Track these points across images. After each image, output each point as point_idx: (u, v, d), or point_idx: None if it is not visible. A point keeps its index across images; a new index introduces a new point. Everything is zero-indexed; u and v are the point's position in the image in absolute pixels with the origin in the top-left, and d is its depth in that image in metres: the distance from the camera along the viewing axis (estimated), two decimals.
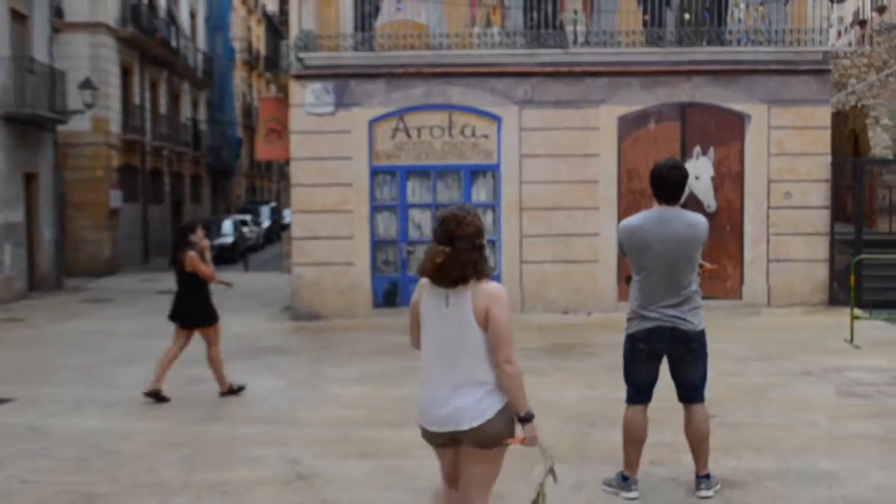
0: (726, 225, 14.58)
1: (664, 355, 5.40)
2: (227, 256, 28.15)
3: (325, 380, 9.69)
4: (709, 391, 5.60)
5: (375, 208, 14.83)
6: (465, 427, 3.86)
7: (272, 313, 15.57)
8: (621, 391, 5.60)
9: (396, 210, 14.84)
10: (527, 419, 3.87)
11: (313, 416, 8.06)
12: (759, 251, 14.73)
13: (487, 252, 14.43)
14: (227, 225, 30.55)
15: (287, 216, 37.99)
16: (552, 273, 14.43)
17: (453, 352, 3.90)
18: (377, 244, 14.86)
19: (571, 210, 14.59)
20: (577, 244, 14.61)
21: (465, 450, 3.94)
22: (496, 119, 14.75)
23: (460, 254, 3.86)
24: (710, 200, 14.54)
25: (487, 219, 14.79)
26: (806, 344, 11.38)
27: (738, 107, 14.74)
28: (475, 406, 3.85)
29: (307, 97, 14.65)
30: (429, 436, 4.00)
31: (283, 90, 16.15)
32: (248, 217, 35.43)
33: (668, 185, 5.33)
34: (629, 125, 14.80)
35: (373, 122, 14.73)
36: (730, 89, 14.69)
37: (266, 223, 38.83)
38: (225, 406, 8.49)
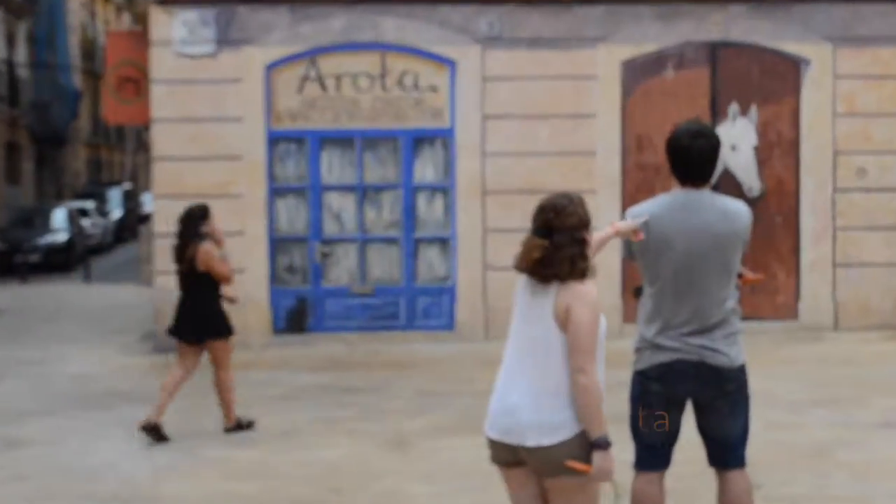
0: (775, 215, 14.78)
1: (687, 400, 5.44)
2: (57, 261, 27.85)
3: (203, 439, 9.63)
4: (751, 451, 5.65)
5: (276, 191, 14.78)
6: (530, 443, 4.49)
7: (126, 343, 15.44)
8: (627, 451, 5.60)
9: (305, 194, 14.81)
10: (601, 446, 4.44)
11: (186, 491, 7.98)
12: (823, 252, 14.93)
13: (439, 253, 14.22)
14: (59, 216, 30.25)
15: (148, 203, 37.66)
16: None
17: (532, 352, 4.60)
18: (277, 243, 14.81)
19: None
20: None
21: (545, 481, 4.58)
22: (449, 64, 14.78)
23: (559, 249, 4.56)
24: (752, 181, 14.71)
25: (436, 207, 14.85)
26: (889, 383, 11.53)
27: (791, 47, 14.95)
28: (547, 420, 4.47)
29: (177, 31, 14.55)
30: (493, 448, 4.68)
31: (142, 21, 16.01)
32: (89, 205, 35.14)
33: (693, 159, 5.39)
34: (638, 74, 14.92)
35: (272, 68, 14.68)
36: (779, 22, 14.90)
37: (117, 213, 38.52)
38: (65, 477, 8.40)
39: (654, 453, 5.49)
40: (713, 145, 5.43)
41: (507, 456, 4.63)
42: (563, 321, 4.53)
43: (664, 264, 5.36)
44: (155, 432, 9.33)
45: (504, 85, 14.79)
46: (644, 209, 5.48)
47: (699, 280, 5.32)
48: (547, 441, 4.45)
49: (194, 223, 9.50)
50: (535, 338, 4.61)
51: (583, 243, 4.62)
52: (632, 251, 5.53)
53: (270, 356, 14.02)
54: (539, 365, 4.57)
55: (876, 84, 14.96)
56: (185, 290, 9.59)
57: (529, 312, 4.66)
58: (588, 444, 4.46)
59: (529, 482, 4.67)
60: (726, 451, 5.49)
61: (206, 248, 9.42)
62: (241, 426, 9.74)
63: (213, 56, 14.62)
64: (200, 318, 9.58)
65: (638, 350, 5.48)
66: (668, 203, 5.44)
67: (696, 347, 5.33)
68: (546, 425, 4.47)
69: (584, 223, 4.64)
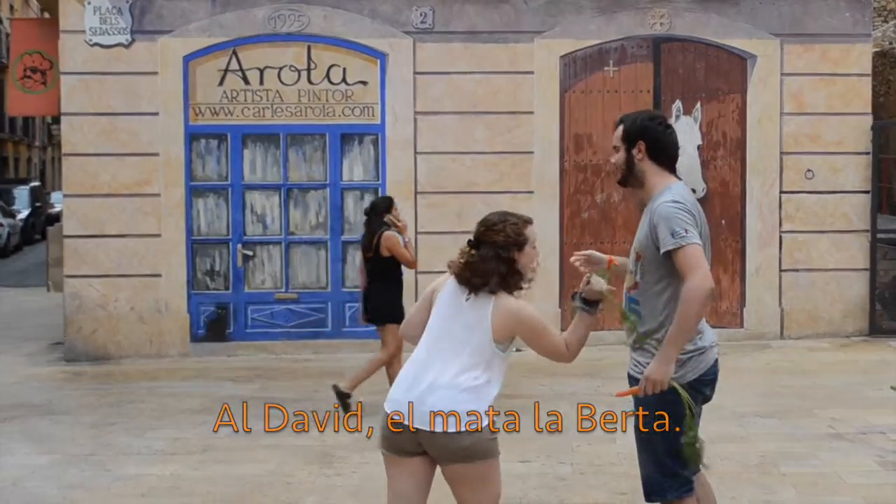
0: (720, 218, 14.91)
1: None
2: None
3: (116, 453, 9.57)
4: None
5: (194, 191, 14.71)
6: (438, 429, 5.03)
7: (33, 352, 15.30)
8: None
9: (227, 193, 14.75)
10: (588, 303, 5.36)
11: None
12: (768, 257, 15.10)
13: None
14: None
15: (58, 202, 37.31)
16: None
17: (452, 349, 5.14)
18: (196, 246, 14.73)
19: (492, 195, 14.69)
20: None
21: (445, 469, 5.13)
22: (379, 57, 14.79)
23: (484, 261, 5.16)
24: (695, 182, 14.80)
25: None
26: (836, 393, 11.70)
27: (737, 42, 15.11)
28: (459, 410, 5.02)
29: (88, 19, 14.44)
30: (392, 437, 5.23)
31: (50, 8, 15.85)
32: None
33: (674, 149, 5.62)
34: (578, 69, 15.01)
35: (190, 60, 14.61)
36: (725, 16, 15.05)
37: (23, 213, 38.04)
38: None
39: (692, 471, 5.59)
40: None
41: (407, 444, 5.18)
42: (504, 336, 5.15)
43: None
44: (343, 398, 10.73)
45: (437, 80, 14.81)
46: (688, 200, 5.48)
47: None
48: (452, 428, 5.01)
49: (379, 214, 10.89)
50: (460, 339, 5.16)
51: (510, 262, 5.17)
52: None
53: (189, 366, 13.96)
54: (458, 362, 5.12)
55: (825, 82, 15.13)
56: (371, 277, 10.90)
57: (458, 315, 5.21)
58: (489, 439, 5.08)
59: (421, 473, 5.24)
60: None
61: (389, 235, 10.74)
62: (344, 398, 10.75)
63: (128, 46, 14.51)
64: (378, 302, 10.88)
65: (680, 363, 5.34)
66: (691, 193, 5.58)
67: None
68: (456, 413, 5.02)
69: (513, 242, 5.18)
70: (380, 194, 14.58)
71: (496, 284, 5.15)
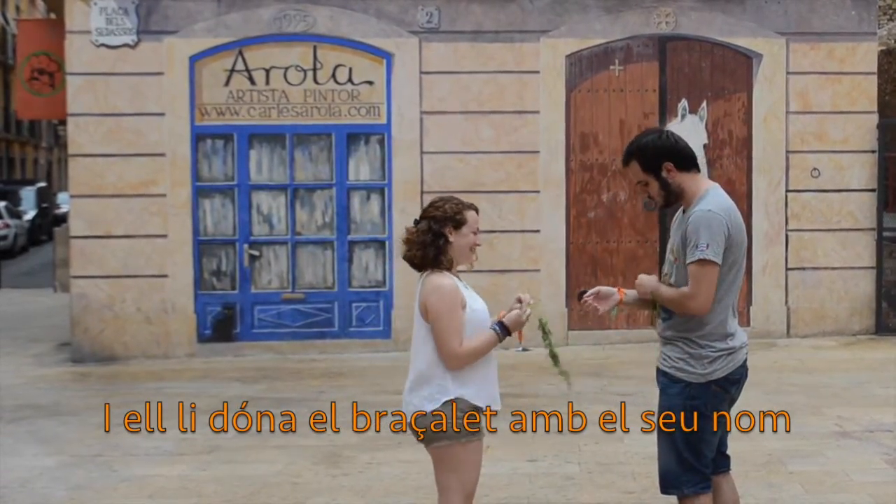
0: None
1: None
2: None
3: (123, 454, 9.57)
4: None
5: (201, 191, 14.71)
6: (407, 416, 5.49)
7: (40, 353, 15.31)
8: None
9: (233, 194, 14.76)
10: (504, 328, 5.45)
11: None
12: (774, 255, 15.11)
13: (375, 256, 14.14)
14: None
15: (64, 203, 37.35)
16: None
17: (416, 332, 5.55)
18: (203, 246, 14.74)
19: (498, 194, 14.71)
20: (506, 245, 14.74)
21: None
22: (385, 57, 14.79)
23: (419, 234, 5.47)
24: None
25: (372, 207, 14.85)
26: (842, 392, 11.70)
27: (742, 41, 15.11)
28: (413, 399, 5.46)
29: (94, 20, 14.45)
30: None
31: (57, 8, 15.85)
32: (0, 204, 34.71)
33: (690, 149, 5.68)
34: (583, 68, 15.01)
35: (196, 60, 14.62)
36: (731, 15, 15.05)
37: (30, 214, 38.08)
38: None
39: (717, 458, 5.72)
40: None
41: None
42: (425, 313, 5.45)
43: (738, 253, 5.51)
44: None
45: (443, 79, 14.81)
46: (727, 199, 5.57)
47: (740, 274, 5.60)
48: (411, 413, 5.48)
49: None
50: (416, 325, 5.56)
51: (444, 237, 5.47)
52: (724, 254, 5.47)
53: (195, 366, 13.97)
54: (415, 350, 5.55)
55: (830, 80, 15.14)
56: None
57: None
58: (450, 419, 5.38)
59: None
60: (724, 451, 5.83)
61: None
62: None
63: (134, 47, 14.52)
64: None
65: (710, 360, 5.52)
66: (728, 198, 5.61)
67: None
68: (410, 403, 5.49)
69: (448, 218, 5.48)
70: (387, 194, 14.64)
71: (430, 259, 5.47)
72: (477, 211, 5.63)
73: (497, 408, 5.55)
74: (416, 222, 5.56)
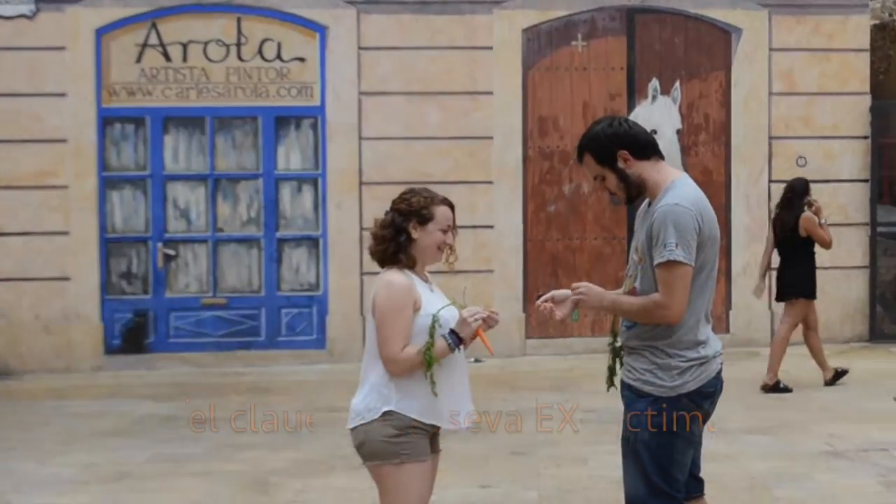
0: None
1: None
2: None
3: (17, 483, 9.44)
4: None
5: (108, 182, 14.60)
6: (348, 425, 5.58)
7: None
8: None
9: (145, 185, 14.66)
10: (456, 337, 5.45)
11: None
12: (756, 253, 15.11)
13: (307, 255, 14.03)
14: None
15: None
16: None
17: (367, 345, 5.61)
18: (111, 244, 14.63)
19: (447, 186, 14.63)
20: (455, 243, 14.66)
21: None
22: (318, 30, 14.74)
23: (381, 227, 5.60)
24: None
25: (304, 200, 14.79)
26: (833, 406, 11.74)
27: (720, 14, 15.15)
28: (356, 405, 5.54)
29: None
30: None
31: None
32: None
33: (647, 134, 5.67)
34: (542, 44, 15.00)
35: (103, 33, 14.51)
36: None
37: None
38: None
39: (689, 482, 5.65)
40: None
41: None
42: (374, 310, 5.54)
43: (710, 252, 5.50)
44: (776, 389, 12.37)
45: (384, 56, 14.77)
46: (696, 190, 5.54)
47: (713, 274, 5.58)
48: (352, 424, 5.55)
49: (800, 195, 12.50)
50: (370, 327, 5.59)
51: (406, 233, 5.55)
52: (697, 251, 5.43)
53: (103, 381, 13.85)
54: (367, 353, 5.61)
55: (818, 58, 15.22)
56: (786, 255, 12.70)
57: None
58: (385, 435, 5.44)
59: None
60: (697, 474, 5.76)
61: (808, 216, 12.41)
62: (837, 374, 12.72)
63: (32, 18, 14.40)
64: (793, 278, 12.63)
65: (680, 371, 5.46)
66: (698, 189, 5.58)
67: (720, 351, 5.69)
68: (355, 410, 5.55)
69: (413, 212, 5.56)
70: (321, 186, 14.57)
71: (388, 256, 5.59)
72: (452, 207, 5.68)
73: (465, 425, 5.59)
74: (386, 213, 5.65)
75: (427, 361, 5.39)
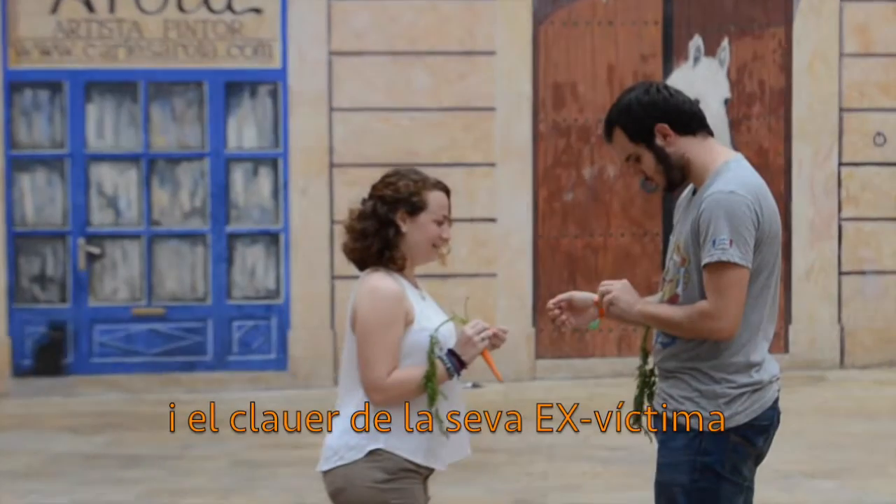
0: None
1: None
2: None
3: None
4: None
5: (16, 163, 14.64)
6: (320, 467, 5.45)
7: None
8: None
9: (63, 167, 14.70)
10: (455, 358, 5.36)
11: None
12: (822, 255, 15.18)
13: (265, 254, 14.07)
14: None
15: None
16: None
17: (343, 365, 5.56)
18: (20, 240, 14.65)
19: (438, 168, 14.66)
20: (451, 237, 14.70)
21: None
22: None
23: (360, 219, 5.48)
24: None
25: (261, 186, 14.81)
26: None
27: None
28: (332, 442, 5.42)
29: None
30: None
31: None
32: None
33: (692, 104, 5.57)
34: None
35: None
36: None
37: None
38: None
39: None
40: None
41: None
42: (355, 323, 5.43)
43: (770, 255, 5.48)
44: None
45: (360, 7, 14.82)
46: (755, 176, 5.50)
47: (772, 281, 5.55)
48: (327, 466, 5.41)
49: None
50: (348, 346, 5.54)
51: (393, 225, 5.45)
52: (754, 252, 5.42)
53: (10, 410, 13.87)
54: (343, 375, 5.54)
55: None
56: None
57: None
58: (369, 478, 5.31)
59: None
60: None
61: None
62: None
63: None
64: None
65: (728, 400, 5.40)
66: (755, 173, 5.54)
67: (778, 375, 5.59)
68: (331, 448, 5.42)
69: (401, 200, 5.46)
70: (282, 169, 14.61)
71: (372, 255, 5.46)
72: (447, 192, 5.59)
73: (457, 457, 5.55)
74: (364, 201, 5.53)
75: (430, 395, 5.27)
